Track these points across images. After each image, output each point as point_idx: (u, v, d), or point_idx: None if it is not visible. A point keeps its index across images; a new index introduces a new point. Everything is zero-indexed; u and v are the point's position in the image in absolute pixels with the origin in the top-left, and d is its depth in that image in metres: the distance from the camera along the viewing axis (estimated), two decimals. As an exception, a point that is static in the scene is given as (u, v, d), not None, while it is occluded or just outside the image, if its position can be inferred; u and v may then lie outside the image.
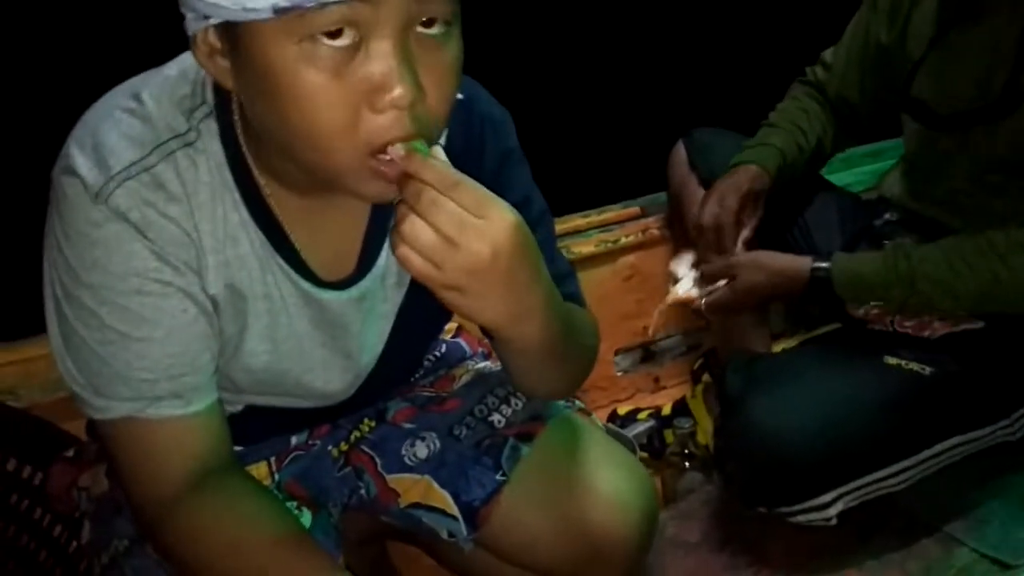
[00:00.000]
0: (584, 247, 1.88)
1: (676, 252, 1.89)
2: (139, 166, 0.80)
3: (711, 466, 1.62)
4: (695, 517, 1.44)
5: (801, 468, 1.33)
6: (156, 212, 0.80)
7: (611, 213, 2.00)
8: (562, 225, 1.90)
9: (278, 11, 0.68)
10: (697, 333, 2.02)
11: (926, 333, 1.45)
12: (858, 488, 1.36)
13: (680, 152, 1.79)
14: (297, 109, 0.71)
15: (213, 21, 0.73)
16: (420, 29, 0.72)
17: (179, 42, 0.81)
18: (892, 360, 1.42)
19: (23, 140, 2.23)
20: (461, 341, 1.22)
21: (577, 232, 1.92)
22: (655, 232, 1.95)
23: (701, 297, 1.48)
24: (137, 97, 0.82)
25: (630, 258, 1.95)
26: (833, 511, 1.34)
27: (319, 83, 0.70)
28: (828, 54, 1.71)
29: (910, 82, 1.53)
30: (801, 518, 1.34)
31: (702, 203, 1.55)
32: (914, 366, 1.41)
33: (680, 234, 1.79)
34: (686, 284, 1.51)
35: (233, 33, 0.73)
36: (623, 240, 1.93)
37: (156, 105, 0.82)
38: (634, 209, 2.01)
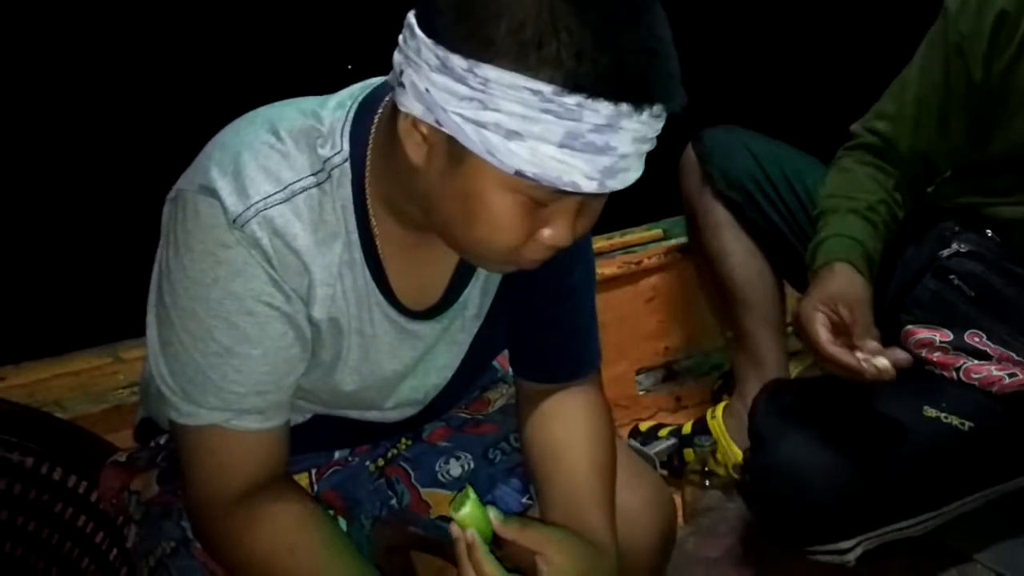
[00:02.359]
0: (607, 268, 1.91)
1: (698, 271, 1.90)
2: (275, 199, 0.86)
3: (731, 485, 1.64)
4: (716, 533, 1.46)
5: (823, 514, 1.32)
6: (283, 243, 0.86)
7: (634, 235, 2.04)
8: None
9: (520, 176, 0.76)
10: (718, 353, 2.05)
11: (994, 388, 1.34)
12: (880, 535, 1.35)
13: (690, 158, 1.71)
14: (484, 224, 0.81)
15: (444, 129, 0.77)
16: None
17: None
18: (931, 412, 1.33)
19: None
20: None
21: (600, 253, 1.95)
22: (677, 254, 1.98)
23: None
24: (276, 133, 0.88)
25: (652, 279, 1.99)
26: (852, 556, 1.33)
27: (513, 215, 0.80)
28: (888, 108, 1.50)
29: None
30: (822, 558, 1.33)
31: (807, 317, 1.29)
32: (954, 420, 1.33)
33: (700, 250, 1.77)
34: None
35: (457, 149, 0.77)
36: (645, 262, 1.97)
37: (294, 144, 0.88)
38: (656, 231, 2.05)
